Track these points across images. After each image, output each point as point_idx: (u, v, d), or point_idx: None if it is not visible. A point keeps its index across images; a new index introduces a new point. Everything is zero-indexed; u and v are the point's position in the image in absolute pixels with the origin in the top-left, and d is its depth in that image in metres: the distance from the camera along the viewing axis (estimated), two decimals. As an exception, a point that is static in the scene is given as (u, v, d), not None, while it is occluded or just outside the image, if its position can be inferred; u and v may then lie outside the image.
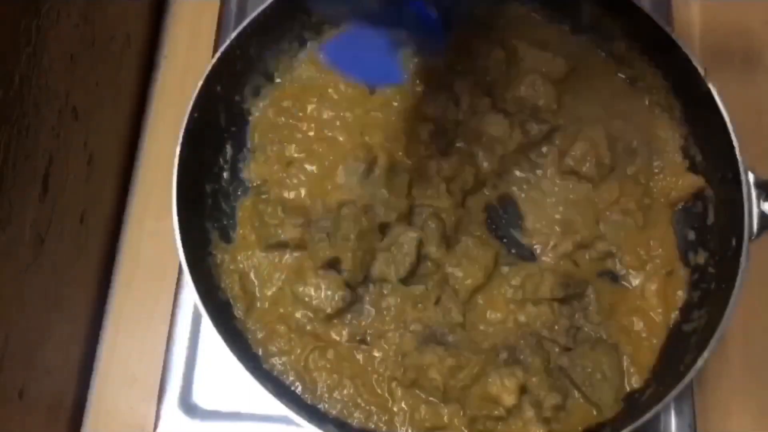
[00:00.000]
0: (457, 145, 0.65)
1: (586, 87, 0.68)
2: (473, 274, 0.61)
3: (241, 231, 0.65)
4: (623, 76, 0.69)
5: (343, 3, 0.46)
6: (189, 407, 0.63)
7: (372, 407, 0.59)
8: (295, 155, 0.66)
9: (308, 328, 0.61)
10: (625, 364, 0.60)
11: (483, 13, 0.71)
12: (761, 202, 0.57)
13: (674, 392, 0.53)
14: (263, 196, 0.65)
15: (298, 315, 0.61)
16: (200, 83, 0.61)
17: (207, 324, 0.55)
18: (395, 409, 0.59)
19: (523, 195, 0.66)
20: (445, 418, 0.58)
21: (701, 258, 0.62)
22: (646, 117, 0.68)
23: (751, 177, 0.58)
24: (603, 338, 0.61)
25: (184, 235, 0.58)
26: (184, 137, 0.60)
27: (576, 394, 0.59)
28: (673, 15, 0.75)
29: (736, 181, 0.58)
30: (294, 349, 0.60)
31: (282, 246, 0.63)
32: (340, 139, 0.67)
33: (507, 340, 0.60)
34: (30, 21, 0.51)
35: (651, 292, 0.62)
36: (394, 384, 0.59)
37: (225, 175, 0.66)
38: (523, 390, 0.57)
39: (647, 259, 0.63)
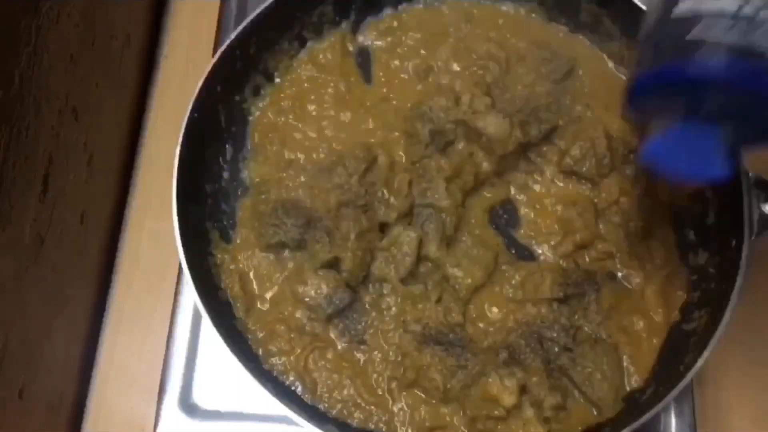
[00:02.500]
0: (457, 145, 0.65)
1: (586, 87, 0.68)
2: (473, 274, 0.61)
3: (241, 231, 0.65)
4: (623, 76, 0.69)
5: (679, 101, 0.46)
6: (189, 407, 0.63)
7: (372, 407, 0.59)
8: (295, 155, 0.67)
9: (308, 328, 0.61)
10: (625, 364, 0.60)
11: (482, 13, 0.71)
12: (761, 202, 0.57)
13: (674, 392, 0.53)
14: (263, 196, 0.65)
15: (298, 315, 0.61)
16: (200, 83, 0.61)
17: (207, 324, 0.55)
18: (395, 409, 0.59)
19: (523, 195, 0.66)
20: (445, 418, 0.58)
21: (701, 258, 0.62)
22: (646, 117, 0.68)
23: (751, 177, 0.58)
24: (603, 338, 0.61)
25: (184, 235, 0.58)
26: (184, 137, 0.60)
27: (576, 394, 0.59)
28: (673, 15, 0.75)
29: (736, 181, 0.58)
30: (294, 350, 0.60)
31: (282, 246, 0.63)
32: (340, 139, 0.67)
33: (507, 340, 0.60)
34: (30, 21, 0.51)
35: (651, 292, 0.62)
36: (394, 384, 0.59)
37: (225, 175, 0.66)
38: (523, 390, 0.57)
39: (647, 259, 0.63)
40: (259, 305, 0.62)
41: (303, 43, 0.70)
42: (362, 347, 0.61)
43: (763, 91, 0.42)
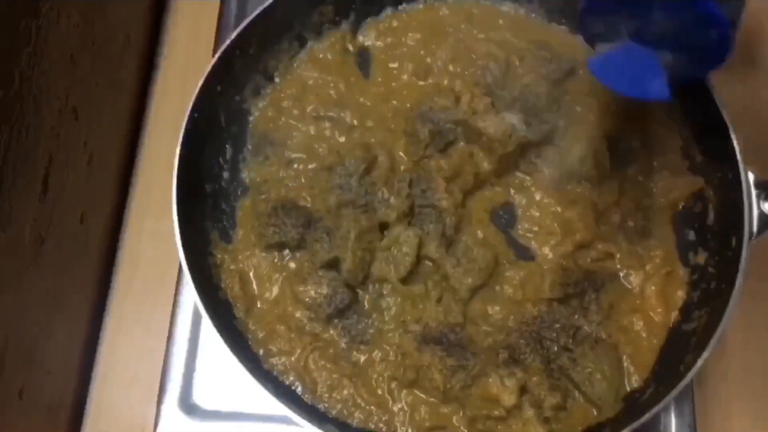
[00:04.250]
0: (457, 145, 0.65)
1: (586, 87, 0.68)
2: (473, 274, 0.61)
3: (241, 231, 0.65)
4: (623, 76, 0.69)
5: (622, 24, 0.51)
6: (189, 407, 0.63)
7: (372, 407, 0.59)
8: (295, 155, 0.67)
9: (308, 328, 0.61)
10: (625, 364, 0.60)
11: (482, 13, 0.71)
12: (761, 202, 0.57)
13: (674, 392, 0.53)
14: (263, 196, 0.65)
15: (298, 315, 0.61)
16: (200, 83, 0.61)
17: (207, 324, 0.55)
18: (395, 409, 0.59)
19: (522, 195, 0.66)
20: (446, 418, 0.58)
21: (701, 258, 0.62)
22: (646, 117, 0.68)
23: (751, 177, 0.58)
24: (603, 338, 0.61)
25: (184, 235, 0.58)
26: (184, 137, 0.60)
27: (576, 394, 0.59)
28: (673, 15, 0.75)
29: (736, 181, 0.58)
30: (294, 350, 0.60)
31: (282, 246, 0.63)
32: (340, 139, 0.67)
33: (507, 340, 0.60)
34: (30, 21, 0.51)
35: (651, 292, 0.62)
36: (394, 384, 0.59)
37: (225, 175, 0.66)
38: (523, 390, 0.57)
39: (647, 259, 0.63)
40: (259, 305, 0.62)
41: (303, 43, 0.70)
42: (362, 347, 0.61)
43: (698, 10, 0.46)
